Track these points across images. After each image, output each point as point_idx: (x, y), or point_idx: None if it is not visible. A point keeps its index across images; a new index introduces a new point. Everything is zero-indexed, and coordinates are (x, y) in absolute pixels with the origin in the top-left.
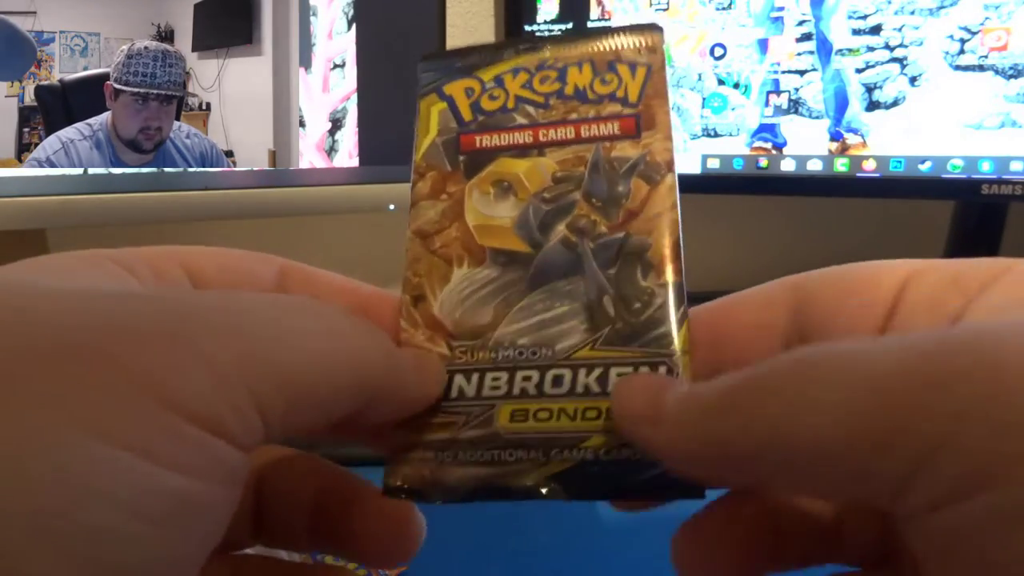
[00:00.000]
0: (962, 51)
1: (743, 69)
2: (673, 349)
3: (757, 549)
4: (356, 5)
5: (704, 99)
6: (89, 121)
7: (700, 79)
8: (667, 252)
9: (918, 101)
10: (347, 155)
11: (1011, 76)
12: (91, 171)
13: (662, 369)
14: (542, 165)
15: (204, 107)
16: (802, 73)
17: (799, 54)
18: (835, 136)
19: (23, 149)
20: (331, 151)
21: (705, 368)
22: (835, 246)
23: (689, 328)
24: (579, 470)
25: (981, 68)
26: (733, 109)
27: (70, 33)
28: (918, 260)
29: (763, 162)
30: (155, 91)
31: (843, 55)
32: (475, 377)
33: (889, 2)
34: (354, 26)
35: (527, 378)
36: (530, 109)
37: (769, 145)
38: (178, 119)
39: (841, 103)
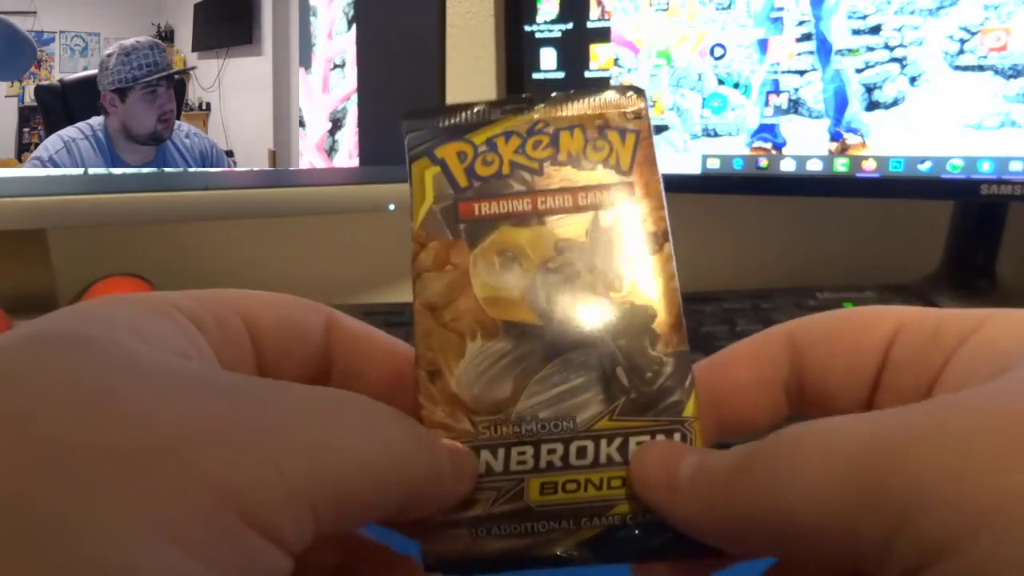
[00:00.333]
0: (962, 51)
1: (743, 69)
2: (686, 416)
3: None
4: (356, 5)
5: (704, 99)
6: (89, 121)
7: (700, 79)
8: (671, 322)
9: (918, 101)
10: (347, 155)
11: (1011, 76)
12: (91, 171)
13: (676, 436)
14: (544, 234)
15: (204, 107)
16: (802, 73)
17: (799, 54)
18: (835, 136)
19: (23, 149)
20: (331, 151)
21: (712, 427)
22: (835, 246)
23: (697, 394)
24: (608, 535)
25: (981, 68)
26: (733, 109)
27: (70, 33)
28: (904, 309)
29: (763, 162)
30: (165, 74)
31: (843, 55)
32: (501, 452)
33: (889, 2)
34: (354, 26)
35: (552, 451)
36: (525, 175)
37: (769, 145)
38: (178, 118)
39: (841, 103)
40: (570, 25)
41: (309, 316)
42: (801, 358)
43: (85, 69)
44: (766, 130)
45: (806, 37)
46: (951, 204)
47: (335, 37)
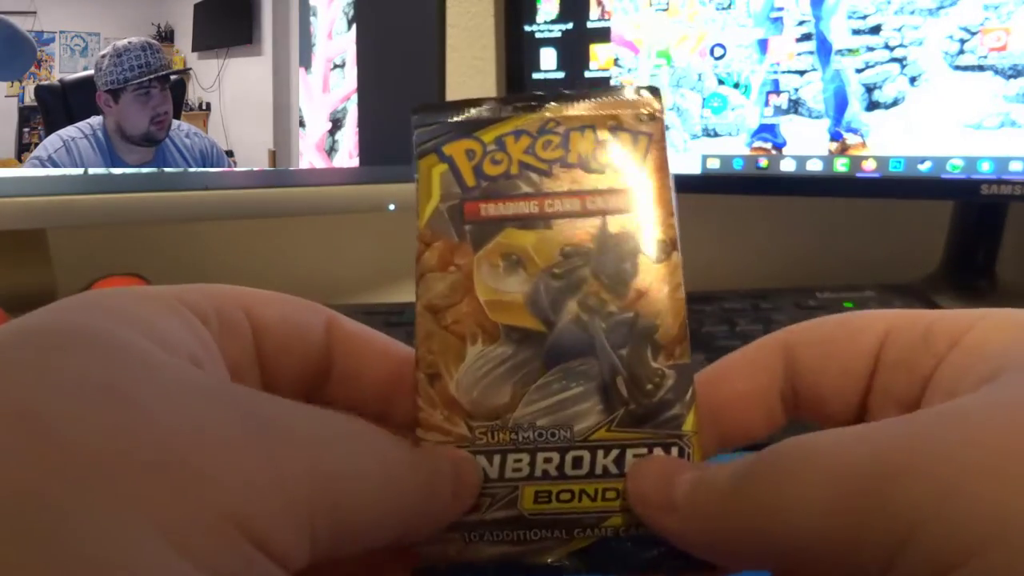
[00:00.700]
0: (962, 51)
1: (743, 69)
2: (685, 431)
3: None
4: (356, 5)
5: (704, 99)
6: (88, 121)
7: (700, 79)
8: (675, 333)
9: (918, 101)
10: (347, 155)
11: (1011, 76)
12: (91, 171)
13: (675, 450)
14: (550, 238)
15: (204, 107)
16: (802, 73)
17: (799, 54)
18: (835, 136)
19: (23, 149)
20: (331, 151)
21: (710, 439)
22: (835, 246)
23: (698, 408)
24: (600, 546)
25: (981, 68)
26: (733, 109)
27: (70, 33)
28: (895, 313)
29: (763, 162)
30: (157, 75)
31: (843, 55)
32: (497, 459)
33: (889, 2)
34: (354, 26)
35: (548, 460)
36: (534, 176)
37: (769, 145)
38: (177, 118)
39: (841, 103)
40: (570, 25)
41: (310, 316)
42: (795, 365)
43: (85, 69)
44: (766, 130)
45: (806, 37)
46: (951, 204)
47: (335, 37)
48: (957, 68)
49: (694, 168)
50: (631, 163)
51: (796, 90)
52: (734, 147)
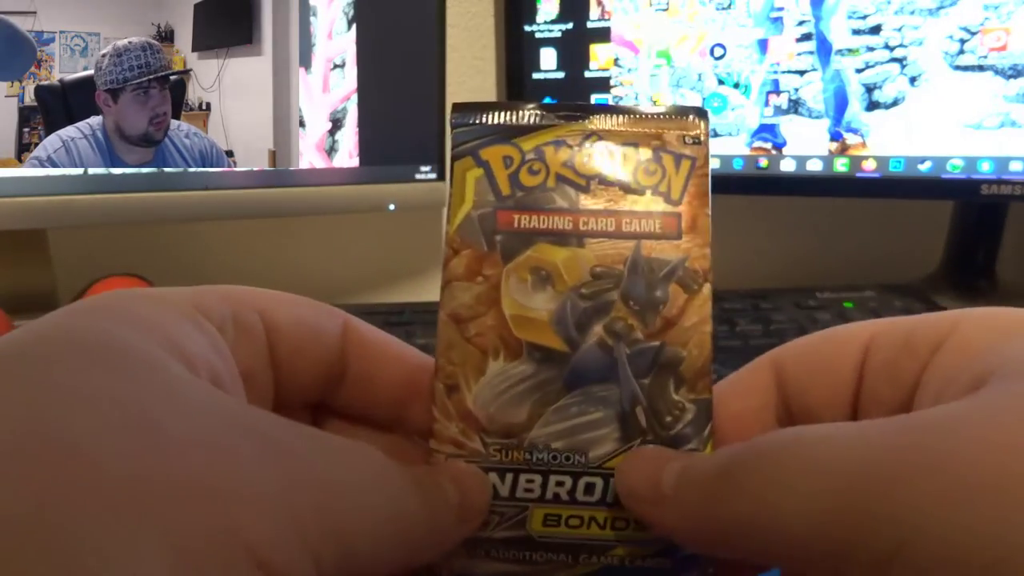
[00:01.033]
0: (962, 51)
1: (743, 69)
2: None
3: None
4: (356, 5)
5: (704, 99)
6: (88, 121)
7: (700, 79)
8: (699, 367)
9: (918, 101)
10: (347, 155)
11: (1011, 76)
12: (91, 171)
13: None
14: (581, 257)
15: (204, 107)
16: (802, 73)
17: (799, 54)
18: (835, 136)
19: (23, 149)
20: (331, 151)
21: None
22: (835, 246)
23: (715, 445)
24: (603, 573)
25: (981, 68)
26: (733, 109)
27: (70, 33)
28: (877, 322)
29: (763, 162)
30: (156, 76)
31: (843, 55)
32: (509, 477)
33: (889, 2)
34: (354, 26)
35: (560, 483)
36: (570, 191)
37: (769, 145)
38: (177, 118)
39: (841, 103)
40: (570, 25)
41: (326, 319)
42: (784, 382)
43: (85, 69)
44: (766, 130)
45: (806, 37)
46: (951, 204)
47: (335, 37)
48: (957, 68)
49: None
50: (671, 187)
51: (796, 90)
52: (734, 147)
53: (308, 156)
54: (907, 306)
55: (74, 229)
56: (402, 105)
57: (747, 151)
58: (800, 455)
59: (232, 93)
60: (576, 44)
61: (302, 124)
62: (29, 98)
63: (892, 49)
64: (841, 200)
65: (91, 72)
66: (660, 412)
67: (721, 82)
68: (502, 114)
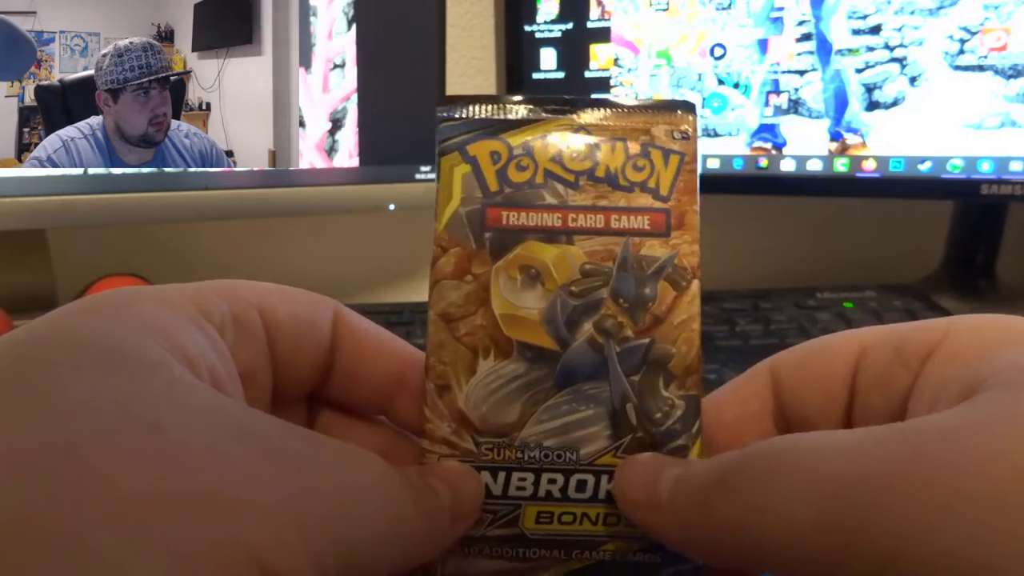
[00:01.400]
0: (962, 51)
1: (743, 69)
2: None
3: None
4: (356, 5)
5: (704, 99)
6: (88, 121)
7: (700, 79)
8: (688, 363)
9: (918, 101)
10: (347, 155)
11: (1011, 76)
12: (91, 171)
13: None
14: (570, 254)
15: (204, 107)
16: (802, 73)
17: (799, 54)
18: (835, 136)
19: (23, 149)
20: (331, 151)
21: None
22: (835, 246)
23: (703, 441)
24: (596, 568)
25: (981, 68)
26: (733, 109)
27: (70, 33)
28: (868, 331)
29: (763, 162)
30: (157, 76)
31: (843, 55)
32: (501, 476)
33: (889, 2)
34: (354, 26)
35: (552, 481)
36: (559, 187)
37: (769, 145)
38: (177, 118)
39: (841, 103)
40: (570, 25)
41: (320, 310)
42: (780, 390)
43: (85, 69)
44: (766, 130)
45: (806, 37)
46: (951, 204)
47: (335, 37)
48: (957, 68)
49: None
50: (660, 183)
51: (796, 90)
52: (734, 147)
53: (308, 156)
54: (907, 306)
55: (74, 229)
56: (402, 105)
57: (747, 151)
58: (793, 463)
59: (232, 93)
60: (576, 44)
61: (302, 124)
62: (29, 98)
63: (892, 49)
64: (841, 200)
65: (91, 72)
66: (650, 409)
67: (721, 82)
68: (489, 108)
